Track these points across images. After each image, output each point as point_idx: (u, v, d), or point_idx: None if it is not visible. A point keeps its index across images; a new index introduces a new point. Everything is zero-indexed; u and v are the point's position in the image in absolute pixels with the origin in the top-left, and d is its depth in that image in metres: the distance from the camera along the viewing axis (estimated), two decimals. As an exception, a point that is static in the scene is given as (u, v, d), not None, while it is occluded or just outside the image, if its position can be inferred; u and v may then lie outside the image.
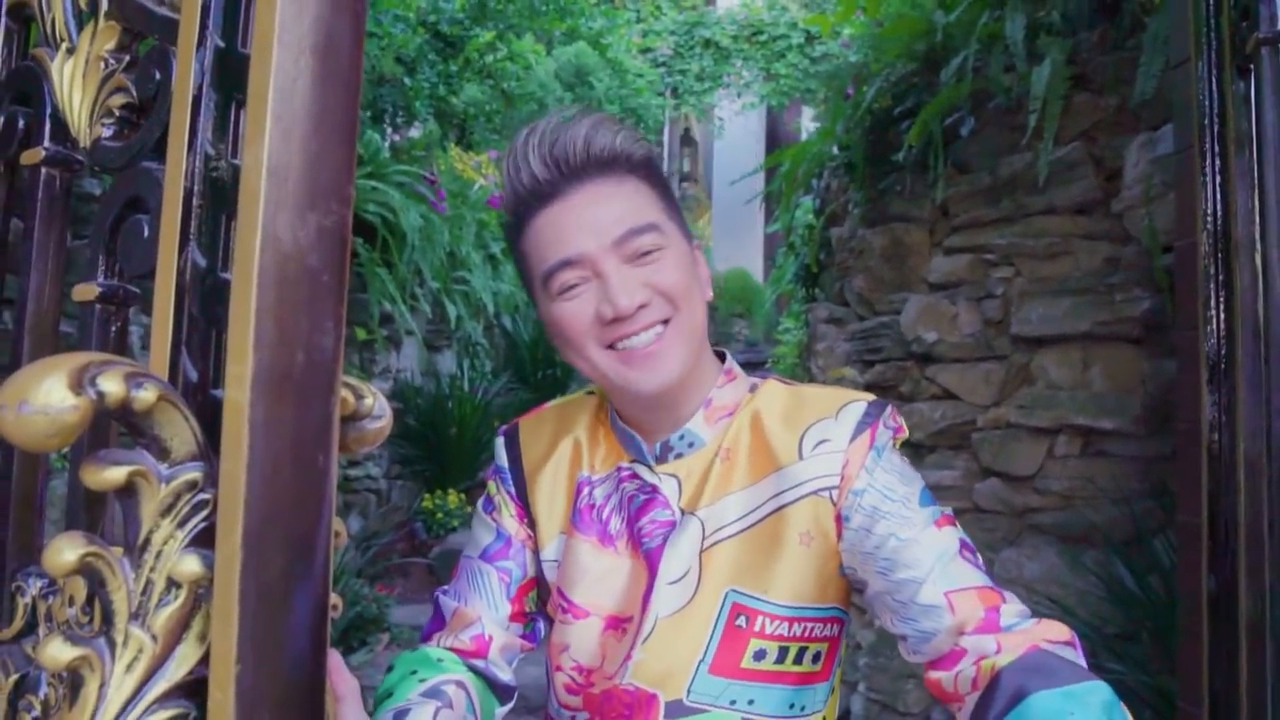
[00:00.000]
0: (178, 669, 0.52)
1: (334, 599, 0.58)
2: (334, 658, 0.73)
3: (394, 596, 4.39)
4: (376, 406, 0.65)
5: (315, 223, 0.52)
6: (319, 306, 0.53)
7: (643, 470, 0.98)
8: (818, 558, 0.91)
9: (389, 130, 5.84)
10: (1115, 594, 2.25)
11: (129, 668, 0.51)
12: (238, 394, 0.49)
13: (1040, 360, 2.63)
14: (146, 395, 0.49)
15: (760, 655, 0.91)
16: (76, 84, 0.67)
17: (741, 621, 0.91)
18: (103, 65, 0.65)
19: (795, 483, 0.92)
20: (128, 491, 0.51)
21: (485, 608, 1.01)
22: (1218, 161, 1.53)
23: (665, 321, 0.90)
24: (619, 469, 1.00)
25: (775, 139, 10.03)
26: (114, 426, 0.61)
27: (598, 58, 7.85)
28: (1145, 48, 2.33)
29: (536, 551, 1.04)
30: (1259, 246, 1.45)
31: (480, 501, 1.08)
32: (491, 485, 1.08)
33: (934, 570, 0.86)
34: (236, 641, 0.49)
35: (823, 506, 0.91)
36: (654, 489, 0.97)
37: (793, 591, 0.91)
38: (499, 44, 5.42)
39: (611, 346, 0.90)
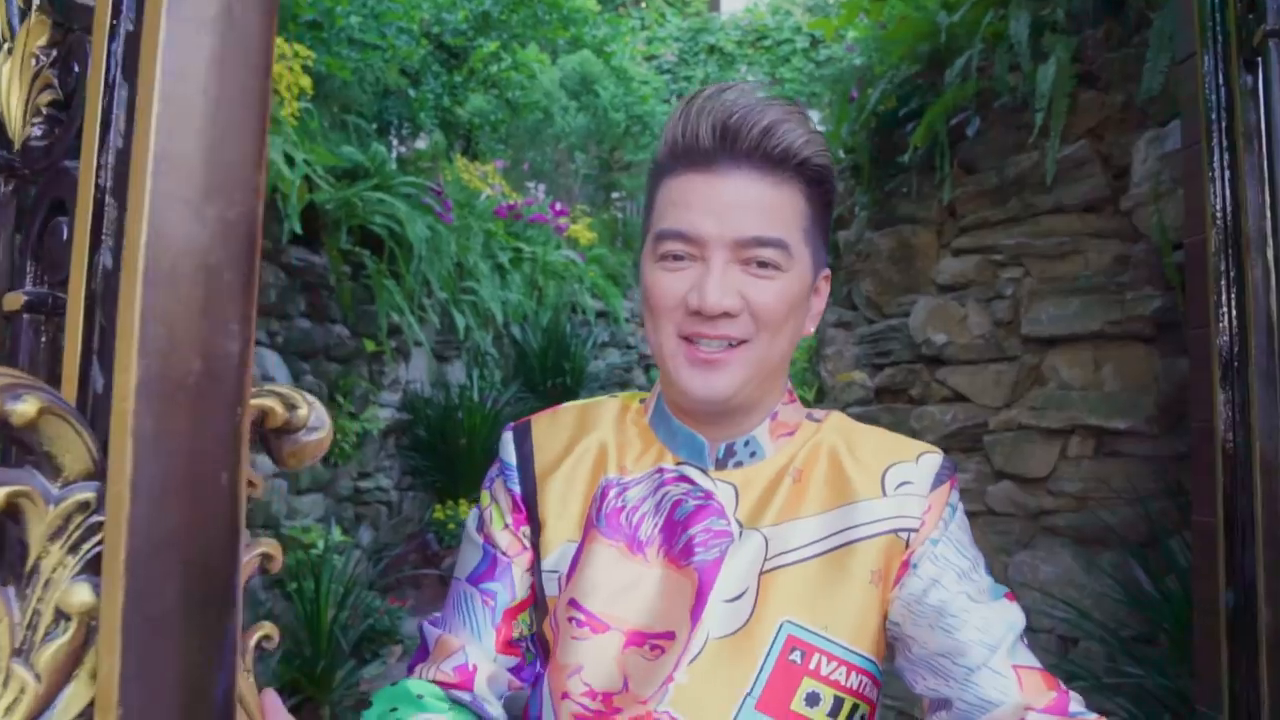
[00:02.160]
0: (65, 711, 0.47)
1: (268, 629, 0.54)
2: (270, 698, 0.65)
3: (406, 609, 4.38)
4: (312, 417, 0.59)
5: (215, 216, 0.48)
6: (220, 307, 0.48)
7: (694, 473, 0.90)
8: (881, 601, 0.87)
9: (395, 142, 5.86)
10: (1132, 596, 2.22)
11: (8, 710, 0.46)
12: (123, 405, 0.45)
13: (1051, 361, 2.60)
14: (25, 408, 0.45)
15: (813, 700, 0.84)
16: (14, 84, 0.64)
17: (796, 657, 0.84)
18: (34, 62, 0.62)
19: (875, 518, 0.88)
20: (11, 514, 0.46)
21: (470, 635, 0.91)
22: (1226, 156, 1.52)
23: (742, 342, 0.85)
24: (659, 470, 0.91)
25: (781, 144, 10.00)
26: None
27: (602, 66, 7.87)
28: (1151, 43, 2.31)
29: (533, 565, 0.93)
30: (1270, 242, 1.43)
31: (469, 519, 0.99)
32: (485, 496, 0.98)
33: (1006, 640, 0.83)
34: (119, 682, 0.44)
35: (896, 547, 0.87)
36: (708, 495, 0.89)
37: (854, 633, 0.85)
38: (503, 54, 5.43)
39: (687, 339, 0.85)
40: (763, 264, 0.84)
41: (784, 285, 0.85)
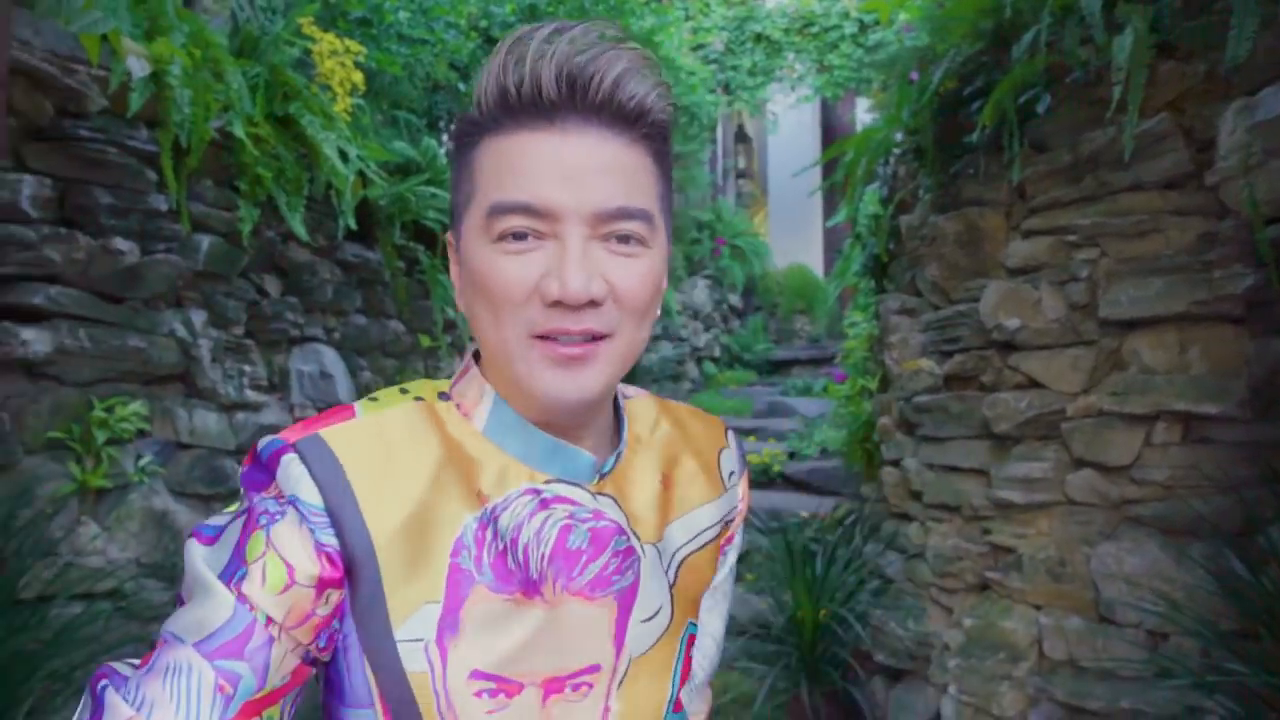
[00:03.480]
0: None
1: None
2: None
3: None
4: None
5: None
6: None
7: (573, 492, 0.76)
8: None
9: (445, 138, 5.87)
10: (1228, 588, 2.12)
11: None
12: None
13: (1132, 344, 2.50)
14: None
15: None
16: None
17: (692, 653, 0.85)
18: None
19: (723, 512, 0.89)
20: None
21: None
22: (1340, 120, 1.42)
23: (602, 337, 0.71)
24: (532, 492, 0.74)
25: (830, 131, 9.87)
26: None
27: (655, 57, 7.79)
28: (1235, 8, 2.20)
29: (321, 642, 0.69)
30: (1392, 209, 1.33)
31: (198, 558, 0.68)
32: (256, 541, 0.67)
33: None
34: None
35: (723, 534, 0.89)
36: (598, 514, 0.76)
37: (714, 619, 0.94)
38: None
39: (541, 336, 0.70)
40: (625, 239, 0.71)
41: (649, 265, 0.72)
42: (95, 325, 2.83)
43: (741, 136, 11.03)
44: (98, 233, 2.85)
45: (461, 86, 4.84)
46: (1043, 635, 2.61)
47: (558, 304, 0.68)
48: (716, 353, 9.44)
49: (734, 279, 9.51)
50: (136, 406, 2.85)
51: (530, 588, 0.72)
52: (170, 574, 2.97)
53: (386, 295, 4.37)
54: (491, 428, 0.75)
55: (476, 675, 0.70)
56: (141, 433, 2.94)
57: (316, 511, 0.67)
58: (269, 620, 0.66)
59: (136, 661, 0.67)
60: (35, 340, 2.66)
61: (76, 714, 0.66)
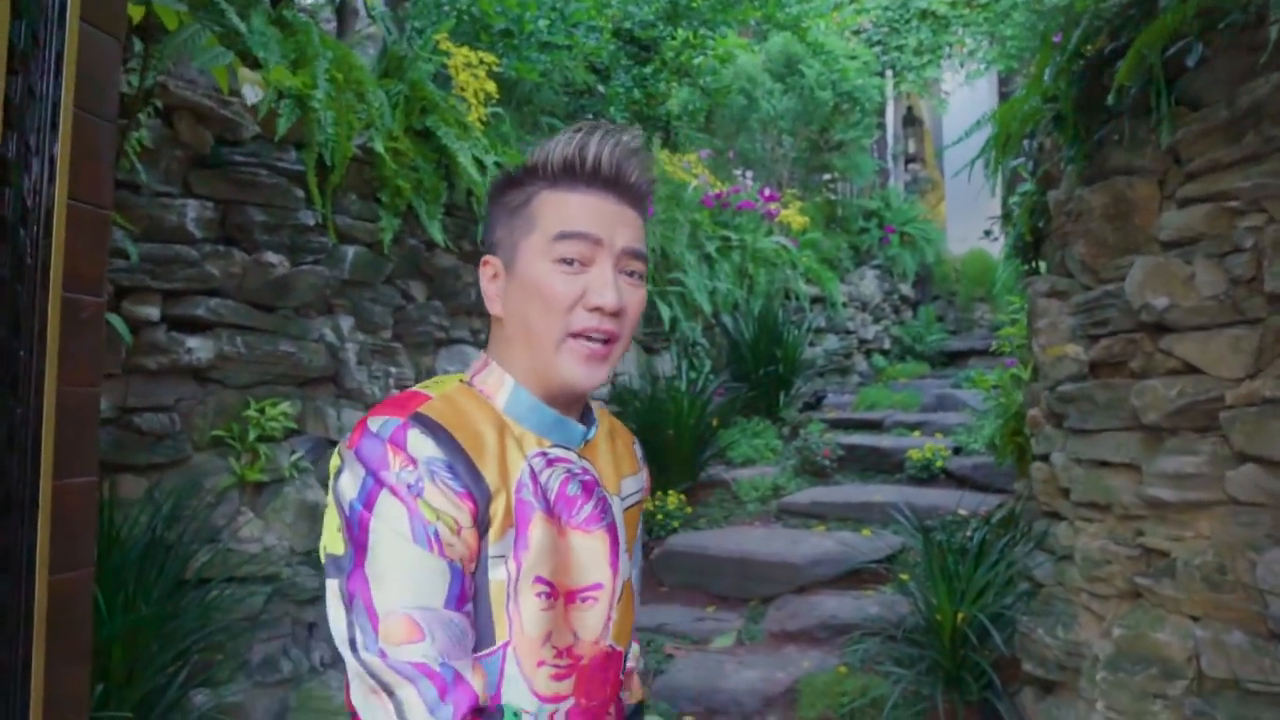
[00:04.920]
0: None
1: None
2: None
3: (614, 597, 4.46)
4: None
5: None
6: None
7: (568, 454, 1.04)
8: None
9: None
10: None
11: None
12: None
13: (1303, 321, 2.20)
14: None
15: None
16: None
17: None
18: None
19: (640, 485, 1.18)
20: None
21: (469, 667, 0.92)
22: None
23: (615, 339, 1.01)
24: (541, 454, 1.02)
25: (1009, 106, 9.28)
26: None
27: (806, 46, 7.63)
28: None
29: (475, 562, 0.94)
30: None
31: (399, 530, 0.89)
32: (423, 505, 0.90)
33: None
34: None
35: (640, 504, 1.16)
36: (585, 470, 1.06)
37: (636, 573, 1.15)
38: (694, 41, 5.39)
39: (574, 334, 0.99)
40: (631, 273, 1.03)
41: (643, 295, 1.05)
42: (251, 333, 3.09)
43: (911, 120, 10.57)
44: (252, 248, 3.11)
45: (602, 88, 4.92)
46: (1200, 650, 2.34)
47: (596, 310, 0.98)
48: (887, 345, 9.11)
49: (904, 268, 9.14)
50: (285, 407, 3.09)
51: (554, 518, 0.99)
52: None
53: (531, 296, 4.51)
54: (510, 406, 1.02)
55: (539, 580, 0.96)
56: (291, 431, 3.18)
57: (439, 462, 0.91)
58: (463, 563, 0.92)
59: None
60: (199, 348, 2.93)
61: (441, 694, 0.89)
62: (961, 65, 8.45)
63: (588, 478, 1.05)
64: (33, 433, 1.34)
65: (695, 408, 5.65)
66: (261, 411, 3.03)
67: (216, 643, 2.71)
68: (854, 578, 4.31)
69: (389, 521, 0.89)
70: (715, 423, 5.87)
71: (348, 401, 3.44)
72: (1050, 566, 3.08)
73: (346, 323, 3.48)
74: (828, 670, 3.53)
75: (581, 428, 1.07)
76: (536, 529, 0.96)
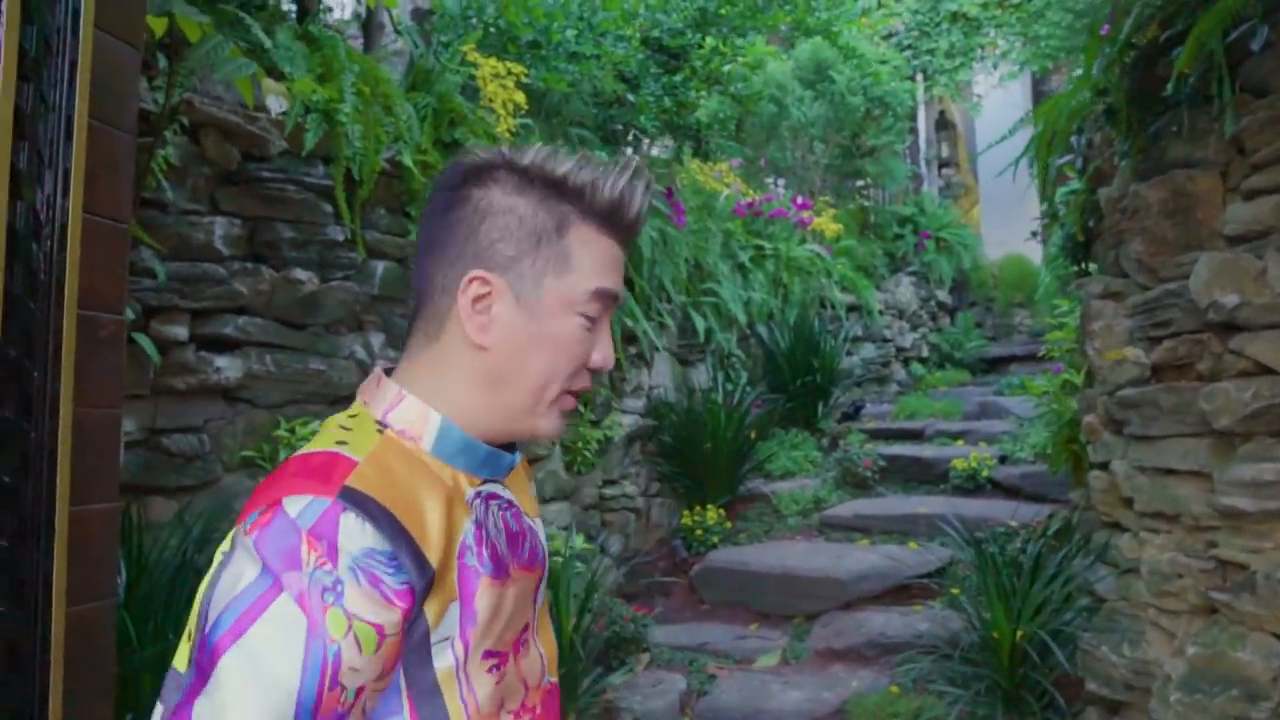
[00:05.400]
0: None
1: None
2: None
3: (653, 616, 4.35)
4: None
5: None
6: None
7: (496, 488, 0.91)
8: None
9: (629, 150, 5.92)
10: None
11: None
12: None
13: (1388, 316, 2.06)
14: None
15: None
16: None
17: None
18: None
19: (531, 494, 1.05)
20: None
21: None
22: None
23: None
24: (476, 493, 0.88)
25: (1045, 107, 9.11)
26: None
27: (836, 51, 7.52)
28: None
29: (392, 672, 0.77)
30: None
31: (286, 658, 0.68)
32: (334, 619, 0.70)
33: None
34: None
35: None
36: (511, 503, 0.93)
37: None
38: (722, 48, 5.31)
39: (569, 393, 0.90)
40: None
41: None
42: (280, 351, 3.04)
43: (943, 124, 10.41)
44: (280, 265, 3.06)
45: (632, 97, 4.85)
46: (1285, 668, 2.20)
47: (597, 370, 0.91)
48: (925, 352, 8.93)
49: (941, 274, 8.97)
50: (315, 426, 3.02)
51: (502, 570, 0.86)
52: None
53: (564, 310, 4.43)
54: (439, 447, 0.86)
55: (487, 655, 0.83)
56: (324, 450, 3.12)
57: (388, 559, 0.74)
58: (366, 684, 0.73)
59: None
60: (228, 367, 2.88)
61: None
62: (995, 67, 8.30)
63: (515, 509, 0.92)
64: (48, 456, 1.28)
65: (733, 420, 5.54)
66: (292, 431, 2.97)
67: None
68: (902, 593, 4.17)
69: (260, 655, 0.68)
70: (753, 435, 5.75)
71: (380, 419, 3.37)
72: (1113, 580, 2.93)
73: (377, 339, 3.42)
74: (878, 690, 3.40)
75: (509, 457, 0.92)
76: (483, 598, 0.82)
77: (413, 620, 0.76)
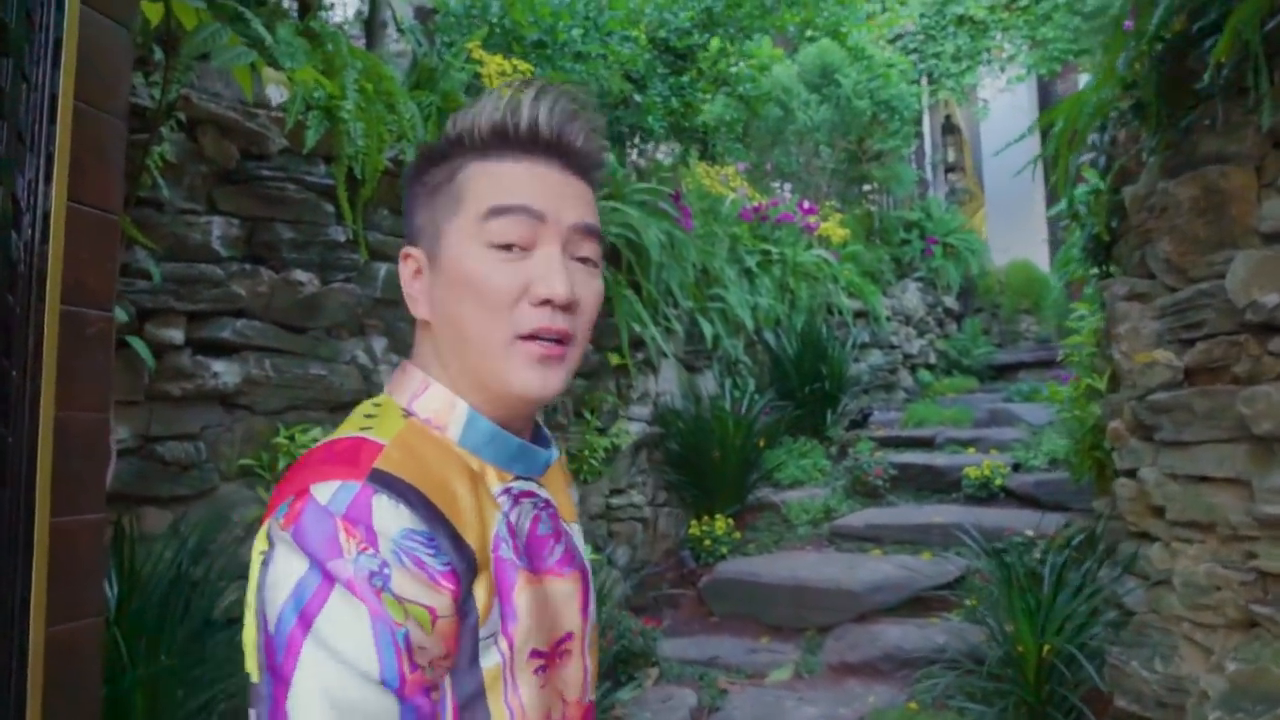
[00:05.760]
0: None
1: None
2: None
3: (662, 629, 4.24)
4: None
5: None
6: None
7: (531, 486, 0.86)
8: None
9: (635, 154, 5.83)
10: None
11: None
12: None
13: None
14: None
15: None
16: None
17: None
18: None
19: (575, 501, 1.03)
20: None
21: None
22: None
23: (570, 338, 0.81)
24: (507, 491, 0.83)
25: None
26: None
27: (842, 53, 7.44)
28: None
29: (453, 658, 0.74)
30: None
31: (359, 646, 0.67)
32: (389, 602, 0.68)
33: None
34: None
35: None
36: (548, 503, 0.88)
37: None
38: (729, 49, 5.24)
39: (525, 337, 0.79)
40: (584, 259, 0.84)
41: (600, 285, 0.86)
42: (280, 355, 2.94)
43: (949, 128, 10.33)
44: (280, 266, 2.96)
45: (639, 98, 4.76)
46: (1334, 685, 2.10)
47: (546, 304, 0.79)
48: (932, 359, 8.83)
49: (948, 280, 8.87)
50: (316, 433, 2.93)
51: (536, 567, 0.82)
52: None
53: (570, 314, 4.34)
54: (467, 437, 0.82)
55: (534, 655, 0.79)
56: (324, 458, 3.02)
57: (420, 535, 0.70)
58: (434, 672, 0.71)
59: None
60: (225, 372, 2.78)
61: None
62: (1001, 70, 8.22)
63: (552, 511, 0.88)
64: (26, 463, 1.18)
65: (741, 428, 5.44)
66: (291, 438, 2.87)
67: (243, 683, 2.53)
68: (917, 604, 4.06)
69: (335, 644, 0.66)
70: (761, 443, 5.65)
71: (382, 426, 3.28)
72: (1142, 593, 2.83)
73: (379, 344, 3.33)
74: (897, 707, 3.29)
75: (545, 452, 0.88)
76: (522, 594, 0.78)
77: (463, 604, 0.73)
